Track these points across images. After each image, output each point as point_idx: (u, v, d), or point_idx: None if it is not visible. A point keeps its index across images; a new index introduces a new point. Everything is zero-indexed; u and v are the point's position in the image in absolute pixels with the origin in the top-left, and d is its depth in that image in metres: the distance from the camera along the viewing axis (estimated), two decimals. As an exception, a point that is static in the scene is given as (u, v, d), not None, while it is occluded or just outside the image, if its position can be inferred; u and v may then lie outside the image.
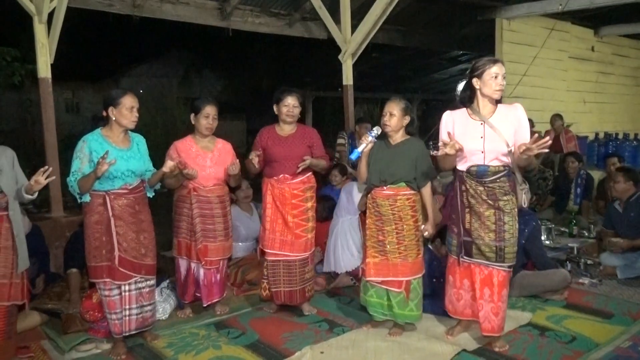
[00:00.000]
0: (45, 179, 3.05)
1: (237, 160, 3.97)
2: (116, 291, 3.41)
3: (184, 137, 4.06)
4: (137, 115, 3.43)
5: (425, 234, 3.62)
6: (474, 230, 3.37)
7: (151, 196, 3.65)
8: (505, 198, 3.31)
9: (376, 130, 3.60)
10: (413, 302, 3.63)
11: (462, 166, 3.39)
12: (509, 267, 3.39)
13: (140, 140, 3.58)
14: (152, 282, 3.58)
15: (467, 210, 3.40)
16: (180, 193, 3.98)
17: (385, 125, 3.58)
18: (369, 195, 3.71)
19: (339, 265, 4.67)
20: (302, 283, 4.10)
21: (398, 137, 3.65)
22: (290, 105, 3.96)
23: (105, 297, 3.41)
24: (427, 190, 3.62)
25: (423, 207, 3.67)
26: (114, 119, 3.37)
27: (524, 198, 3.37)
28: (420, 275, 3.67)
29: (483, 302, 3.40)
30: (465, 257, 3.43)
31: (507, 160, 3.28)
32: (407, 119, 3.62)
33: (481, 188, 3.33)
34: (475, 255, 3.39)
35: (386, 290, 3.64)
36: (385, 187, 3.61)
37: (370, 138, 3.58)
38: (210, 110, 3.95)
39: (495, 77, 3.23)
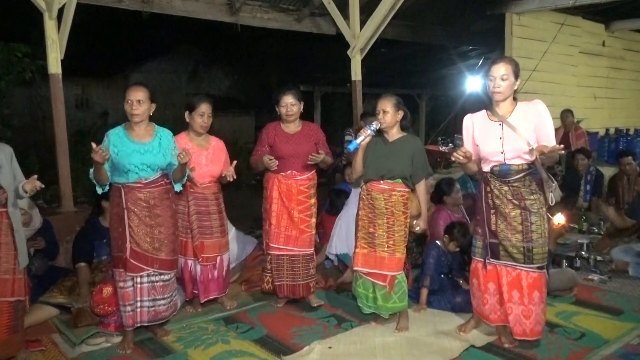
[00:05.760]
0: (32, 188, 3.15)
1: (232, 169, 3.92)
2: (130, 282, 3.45)
3: (178, 134, 3.93)
4: (138, 108, 3.35)
5: (417, 229, 3.68)
6: (500, 232, 3.32)
7: (178, 190, 3.62)
8: (531, 197, 3.27)
9: (375, 125, 3.62)
10: (396, 294, 3.68)
11: (485, 167, 3.37)
12: (539, 268, 3.31)
13: (165, 135, 3.52)
14: (167, 277, 3.57)
15: (492, 211, 3.36)
16: None
17: (380, 122, 3.61)
18: (364, 187, 3.74)
19: (341, 246, 4.72)
20: (306, 278, 4.15)
21: (394, 133, 3.69)
22: (287, 104, 3.99)
23: (121, 288, 3.46)
24: (421, 186, 3.69)
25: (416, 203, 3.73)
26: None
27: (552, 196, 3.30)
28: (403, 271, 3.71)
29: (512, 305, 3.35)
30: (491, 259, 3.39)
31: (530, 158, 3.22)
32: (401, 114, 3.66)
33: (506, 188, 3.29)
34: (502, 257, 3.35)
35: (372, 282, 3.68)
36: (382, 182, 3.63)
37: (369, 132, 3.61)
38: (205, 109, 3.95)
39: (491, 79, 3.22)
